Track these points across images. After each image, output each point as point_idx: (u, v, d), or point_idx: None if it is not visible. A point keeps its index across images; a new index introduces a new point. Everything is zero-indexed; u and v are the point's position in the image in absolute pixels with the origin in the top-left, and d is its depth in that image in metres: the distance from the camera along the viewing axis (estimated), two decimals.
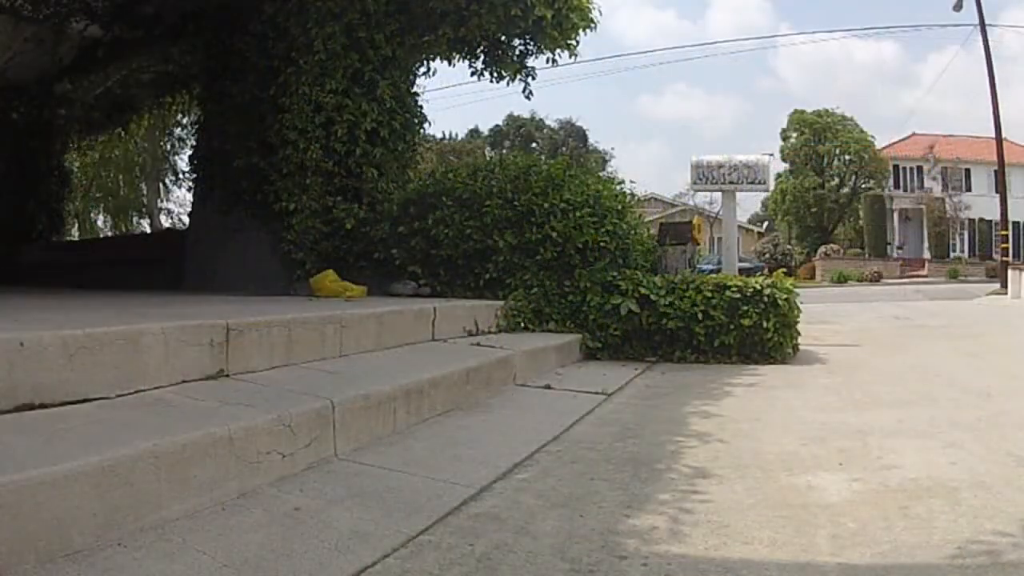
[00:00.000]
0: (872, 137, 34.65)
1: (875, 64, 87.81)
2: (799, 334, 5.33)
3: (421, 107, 7.03)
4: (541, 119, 44.12)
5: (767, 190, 8.05)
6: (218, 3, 6.80)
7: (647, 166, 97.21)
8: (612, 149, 73.65)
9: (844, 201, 35.89)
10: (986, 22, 18.64)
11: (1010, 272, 15.13)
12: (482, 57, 7.16)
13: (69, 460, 1.66)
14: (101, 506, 1.67)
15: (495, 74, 7.21)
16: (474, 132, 44.37)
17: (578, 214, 5.42)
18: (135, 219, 23.41)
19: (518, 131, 43.72)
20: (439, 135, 37.38)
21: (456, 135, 41.38)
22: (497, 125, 44.72)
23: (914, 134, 35.59)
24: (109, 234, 22.12)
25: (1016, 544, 1.76)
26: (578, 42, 6.94)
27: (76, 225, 19.71)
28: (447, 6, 6.31)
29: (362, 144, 6.26)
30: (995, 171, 22.00)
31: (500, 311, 5.24)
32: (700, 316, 4.99)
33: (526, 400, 3.65)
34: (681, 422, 3.21)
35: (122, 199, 22.30)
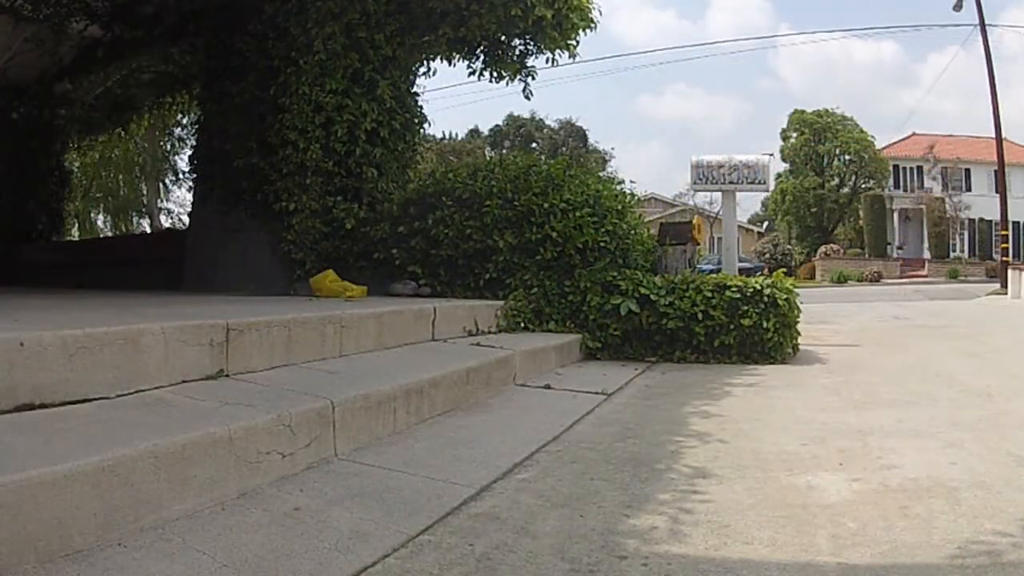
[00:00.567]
0: (872, 137, 34.67)
1: (875, 64, 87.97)
2: (799, 334, 5.34)
3: (421, 107, 7.04)
4: (541, 119, 44.17)
5: (767, 190, 8.05)
6: (218, 3, 6.79)
7: (647, 166, 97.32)
8: (612, 149, 73.95)
9: (844, 201, 35.89)
10: (986, 22, 18.68)
11: (1010, 272, 15.14)
12: (482, 57, 7.16)
13: (69, 460, 1.66)
14: (101, 506, 1.67)
15: (495, 74, 7.21)
16: (474, 132, 44.40)
17: (578, 214, 5.42)
18: (135, 219, 23.41)
19: (518, 131, 43.72)
20: (439, 135, 37.46)
21: (456, 135, 41.46)
22: (497, 125, 44.76)
23: (914, 134, 35.59)
24: (109, 234, 22.13)
25: (1016, 544, 1.76)
26: (578, 42, 6.94)
27: (76, 225, 19.72)
28: (447, 6, 6.31)
29: (362, 144, 6.26)
30: (995, 171, 22.00)
31: (500, 311, 5.24)
32: (700, 316, 4.99)
33: (526, 400, 3.65)
34: (681, 422, 3.21)
35: (122, 199, 22.31)
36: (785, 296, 5.09)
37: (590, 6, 6.85)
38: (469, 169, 6.13)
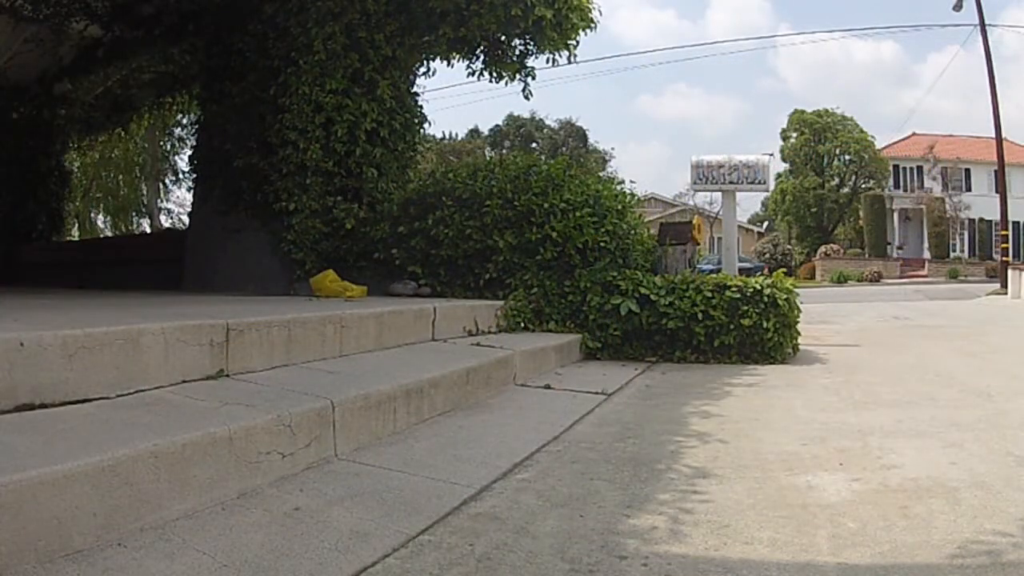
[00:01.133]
0: (872, 137, 34.69)
1: (875, 64, 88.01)
2: (799, 334, 5.34)
3: (421, 107, 7.04)
4: (541, 119, 44.18)
5: (767, 190, 8.06)
6: (218, 3, 6.80)
7: (647, 166, 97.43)
8: (612, 149, 73.95)
9: (844, 201, 35.90)
10: (986, 22, 18.69)
11: (1010, 272, 15.14)
12: (482, 57, 7.16)
13: (69, 460, 1.66)
14: (101, 506, 1.67)
15: (495, 74, 7.21)
16: (474, 132, 44.40)
17: (578, 214, 5.42)
18: (135, 219, 23.41)
19: (518, 131, 43.72)
20: (439, 135, 37.48)
21: (456, 135, 41.48)
22: (497, 125, 44.78)
23: (914, 134, 35.60)
24: (109, 234, 22.13)
25: (1016, 544, 1.76)
26: (578, 42, 6.94)
27: (76, 225, 19.72)
28: (447, 6, 6.31)
29: (362, 144, 6.26)
30: (995, 171, 22.01)
31: (500, 311, 5.24)
32: (700, 316, 4.99)
33: (526, 400, 3.65)
34: (681, 422, 3.21)
35: (122, 199, 22.30)
36: (785, 296, 5.09)
37: (590, 6, 6.85)
38: (469, 169, 6.13)
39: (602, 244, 5.48)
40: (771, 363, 4.96)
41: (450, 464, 2.46)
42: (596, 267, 5.36)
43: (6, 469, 1.56)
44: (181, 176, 20.97)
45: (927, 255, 31.41)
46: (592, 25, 6.91)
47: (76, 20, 7.76)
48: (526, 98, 7.44)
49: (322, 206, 6.16)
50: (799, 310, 5.34)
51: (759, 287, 5.04)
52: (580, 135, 44.01)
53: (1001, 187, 19.56)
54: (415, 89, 7.05)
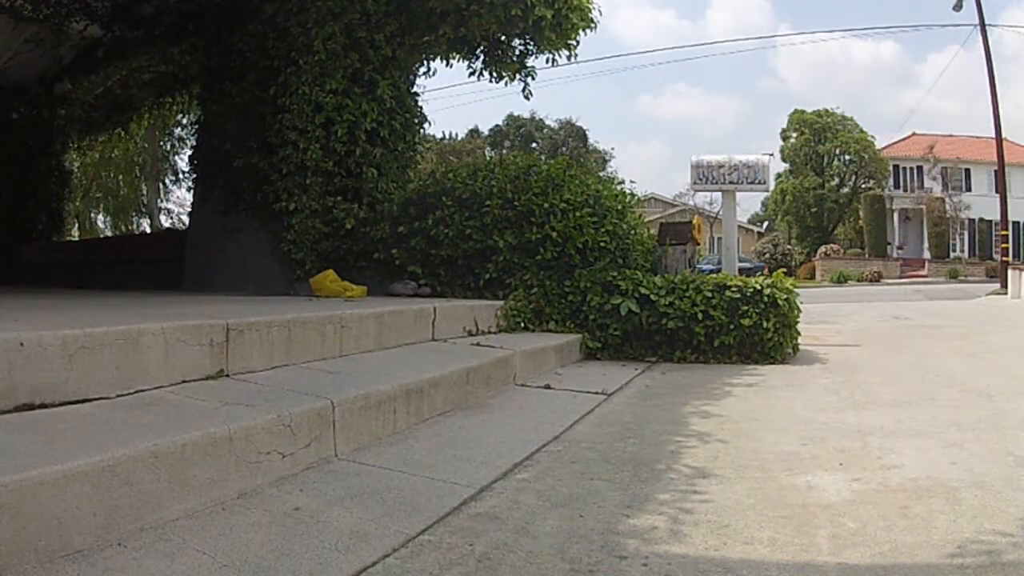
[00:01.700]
0: (872, 137, 34.70)
1: (875, 64, 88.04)
2: (799, 334, 5.34)
3: (421, 107, 7.05)
4: (541, 119, 44.17)
5: (767, 190, 8.05)
6: (218, 3, 6.80)
7: (647, 166, 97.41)
8: (612, 149, 74.00)
9: (844, 201, 35.90)
10: (986, 22, 18.68)
11: (1010, 272, 15.14)
12: (482, 57, 7.16)
13: (69, 460, 1.66)
14: (101, 506, 1.67)
15: (495, 74, 7.21)
16: (474, 132, 44.37)
17: (578, 214, 5.42)
18: (135, 219, 23.43)
19: (518, 131, 43.72)
20: (439, 135, 37.46)
21: (456, 135, 41.45)
22: (497, 125, 44.77)
23: (914, 134, 35.60)
24: (109, 234, 22.14)
25: (1016, 544, 1.76)
26: (578, 42, 6.94)
27: (76, 225, 19.73)
28: (447, 6, 6.31)
29: (362, 144, 6.26)
30: (995, 171, 22.01)
31: (500, 311, 5.24)
32: (700, 316, 4.99)
33: (526, 400, 3.65)
34: (681, 422, 3.21)
35: (122, 199, 22.33)
36: (785, 296, 5.09)
37: (590, 6, 6.85)
38: (469, 169, 6.13)
39: (602, 244, 5.48)
40: (771, 363, 4.96)
41: (450, 464, 2.46)
42: (596, 267, 5.36)
43: (6, 469, 1.56)
44: (181, 176, 21.01)
45: (927, 255, 31.42)
46: (592, 25, 6.92)
47: (76, 20, 7.76)
48: (526, 98, 7.46)
49: (322, 206, 6.17)
50: (799, 310, 5.34)
51: (759, 287, 5.04)
52: (580, 135, 44.01)
53: (1001, 187, 19.56)
54: (415, 89, 7.06)
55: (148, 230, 22.27)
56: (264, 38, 6.28)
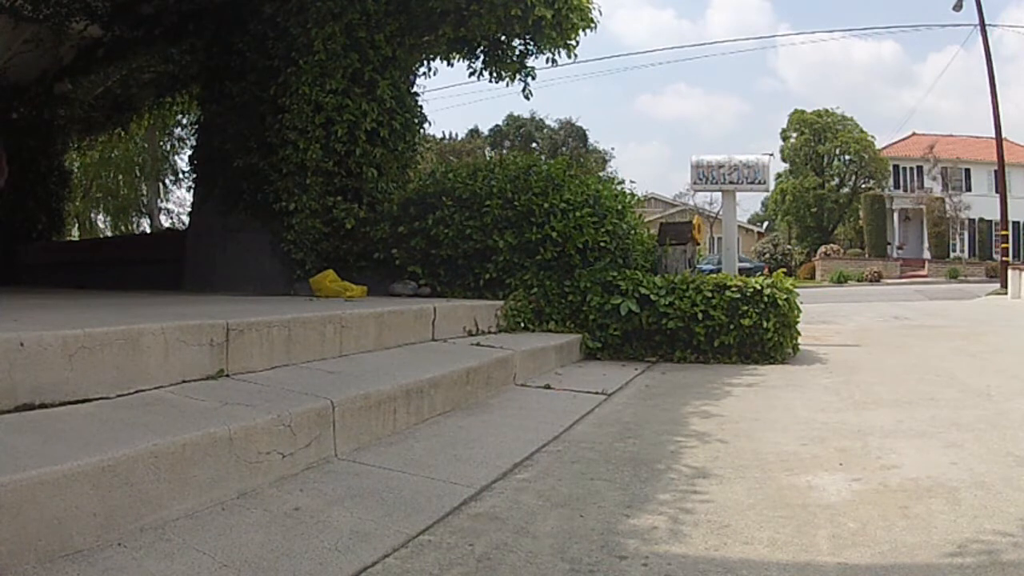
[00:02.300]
0: (872, 137, 34.70)
1: (875, 64, 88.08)
2: (799, 334, 5.34)
3: (421, 107, 7.05)
4: (541, 119, 44.13)
5: (767, 190, 8.03)
6: (218, 3, 6.79)
7: (647, 166, 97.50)
8: (612, 149, 74.02)
9: (844, 201, 35.90)
10: (986, 22, 18.69)
11: (1010, 272, 15.14)
12: (482, 57, 7.17)
13: (69, 460, 1.66)
14: (101, 506, 1.67)
15: (495, 74, 7.22)
16: (474, 132, 44.36)
17: (578, 214, 5.42)
18: (135, 219, 23.42)
19: (518, 131, 43.70)
20: (439, 135, 37.46)
21: (456, 135, 41.45)
22: (497, 125, 44.72)
23: (914, 134, 35.61)
24: (109, 234, 22.13)
25: (1016, 544, 1.76)
26: (578, 42, 6.95)
27: (76, 225, 19.73)
28: (447, 6, 6.31)
29: (362, 144, 6.26)
30: (995, 171, 22.02)
31: (500, 311, 5.24)
32: (700, 316, 4.99)
33: (526, 400, 3.65)
34: (681, 422, 3.21)
35: (122, 199, 22.32)
36: (785, 296, 5.09)
37: (590, 6, 6.85)
38: (469, 169, 6.13)
39: (602, 244, 5.48)
40: (771, 363, 4.96)
41: (450, 464, 2.46)
42: (596, 267, 5.36)
43: (6, 469, 1.56)
44: (181, 176, 20.99)
45: (927, 255, 31.42)
46: (592, 25, 6.92)
47: (76, 20, 7.75)
48: (526, 98, 7.47)
49: (322, 206, 6.17)
50: (799, 310, 5.34)
51: (759, 287, 5.04)
52: (580, 135, 43.98)
53: (1001, 187, 19.56)
54: (415, 89, 7.07)
55: (148, 230, 22.27)
56: (264, 38, 6.28)
